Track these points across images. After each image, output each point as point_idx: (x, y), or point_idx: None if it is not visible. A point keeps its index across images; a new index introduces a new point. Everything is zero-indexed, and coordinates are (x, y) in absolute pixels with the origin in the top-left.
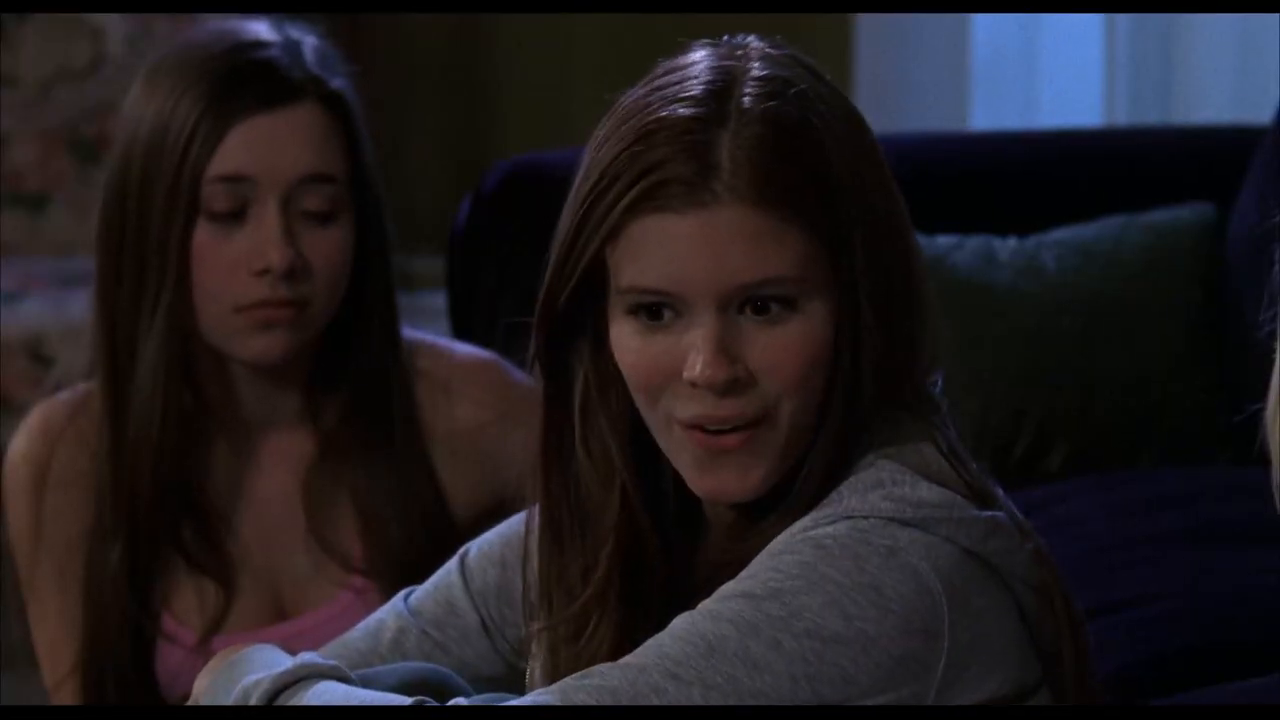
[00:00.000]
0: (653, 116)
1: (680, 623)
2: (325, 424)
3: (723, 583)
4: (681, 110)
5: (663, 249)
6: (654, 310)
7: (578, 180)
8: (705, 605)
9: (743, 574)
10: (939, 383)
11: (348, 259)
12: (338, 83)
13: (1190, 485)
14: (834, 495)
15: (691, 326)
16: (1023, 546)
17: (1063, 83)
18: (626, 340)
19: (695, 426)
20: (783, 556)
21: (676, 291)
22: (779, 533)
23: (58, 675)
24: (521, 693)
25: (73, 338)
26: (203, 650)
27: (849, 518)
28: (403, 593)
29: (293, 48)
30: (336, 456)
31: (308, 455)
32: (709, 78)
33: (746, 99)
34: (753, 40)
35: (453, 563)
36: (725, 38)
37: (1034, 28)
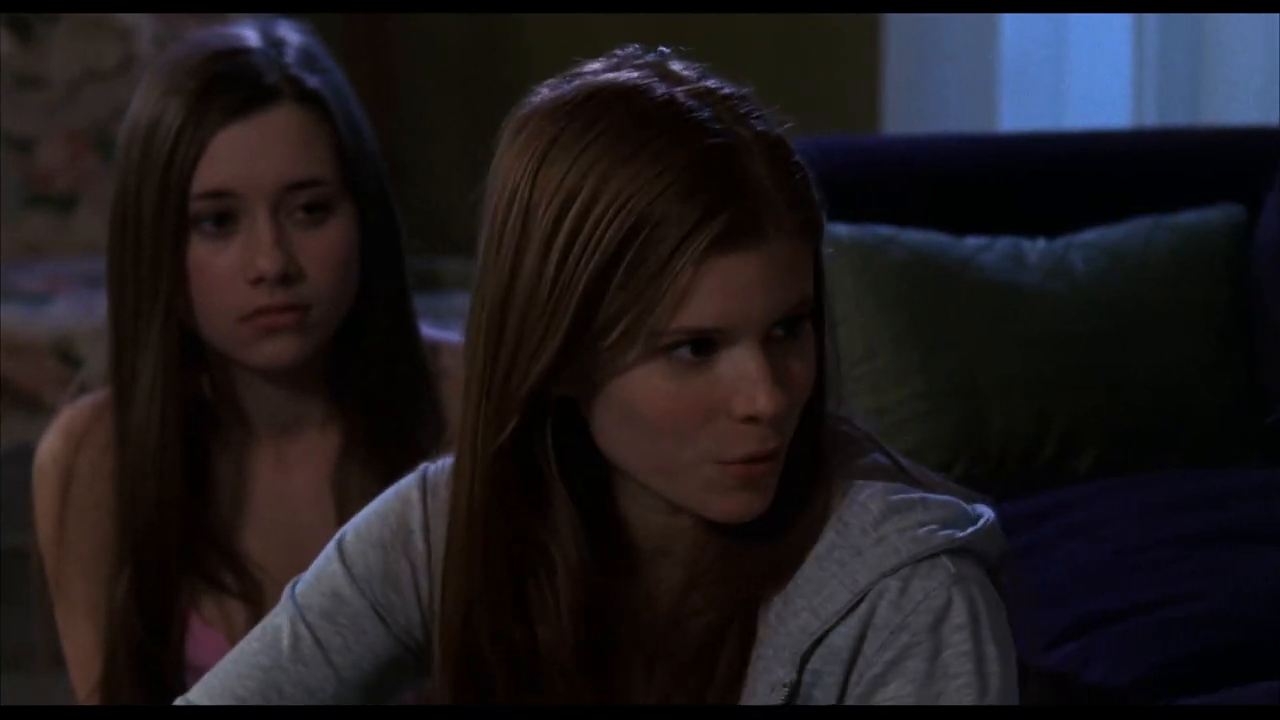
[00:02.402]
0: (671, 154)
1: None
2: (350, 422)
3: (708, 611)
4: (698, 143)
5: (725, 290)
6: (693, 347)
7: (554, 223)
8: None
9: (904, 688)
10: None
11: (349, 256)
12: (315, 81)
13: (1217, 487)
14: (845, 526)
15: (735, 360)
16: (998, 533)
17: (1091, 84)
18: (658, 383)
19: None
20: (946, 660)
21: (726, 327)
22: (781, 561)
23: (88, 687)
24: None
25: (102, 338)
26: None
27: (918, 560)
28: (290, 584)
29: (272, 50)
30: (361, 454)
31: (334, 454)
32: (690, 104)
33: (741, 123)
34: (661, 52)
35: (330, 549)
36: (619, 53)
37: (1062, 29)
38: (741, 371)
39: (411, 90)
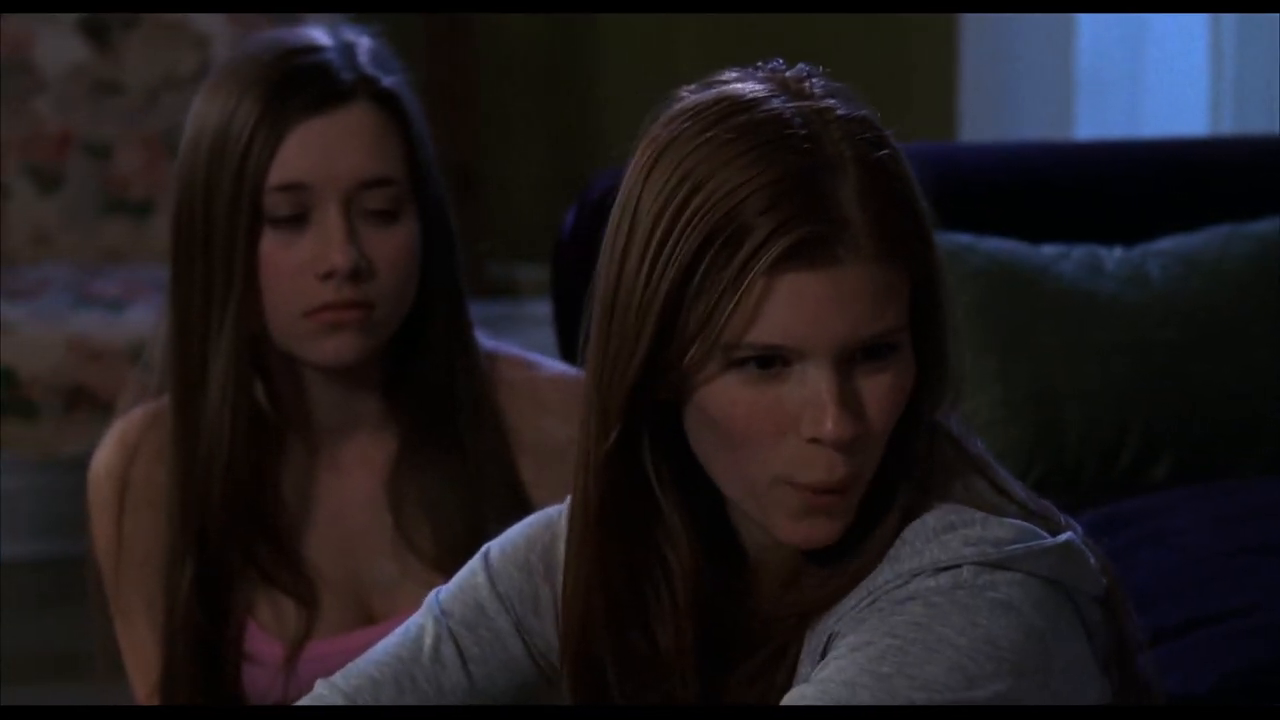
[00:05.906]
0: (764, 165)
1: (808, 702)
2: (405, 427)
3: (793, 627)
4: (794, 159)
5: (793, 306)
6: (763, 361)
7: (652, 223)
8: (826, 680)
9: (850, 641)
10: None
11: (413, 258)
12: (390, 81)
13: None
14: (902, 543)
15: (807, 380)
16: (1091, 563)
17: (1168, 91)
18: (733, 392)
19: (807, 486)
20: (893, 619)
21: (796, 346)
22: (845, 582)
23: (148, 687)
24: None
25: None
26: (289, 667)
27: (940, 569)
28: (434, 591)
29: (345, 49)
30: (415, 459)
31: (389, 458)
32: (800, 120)
33: (846, 144)
34: (801, 69)
35: (476, 562)
36: (760, 65)
37: (1139, 35)
38: (810, 392)
39: (491, 97)
